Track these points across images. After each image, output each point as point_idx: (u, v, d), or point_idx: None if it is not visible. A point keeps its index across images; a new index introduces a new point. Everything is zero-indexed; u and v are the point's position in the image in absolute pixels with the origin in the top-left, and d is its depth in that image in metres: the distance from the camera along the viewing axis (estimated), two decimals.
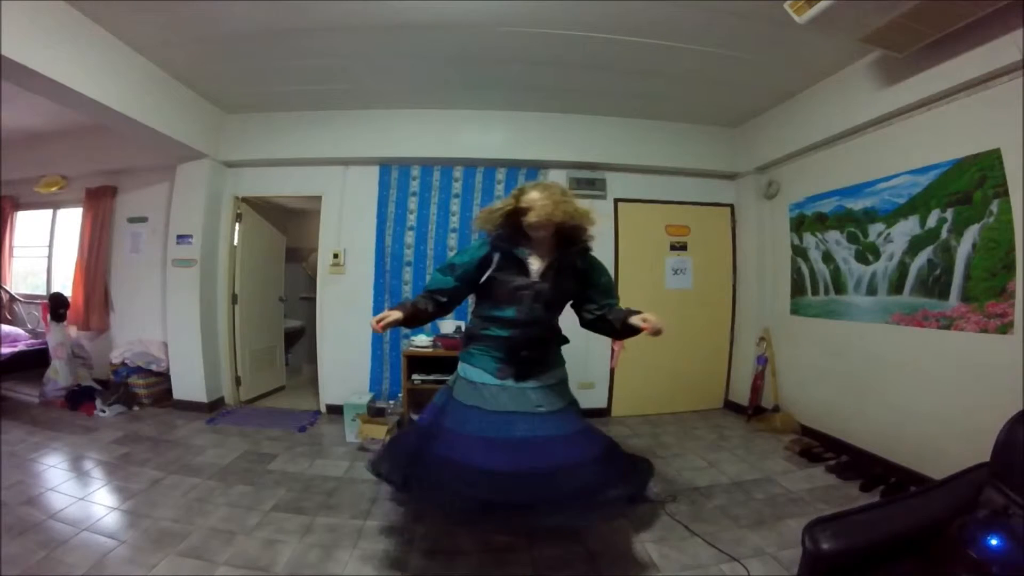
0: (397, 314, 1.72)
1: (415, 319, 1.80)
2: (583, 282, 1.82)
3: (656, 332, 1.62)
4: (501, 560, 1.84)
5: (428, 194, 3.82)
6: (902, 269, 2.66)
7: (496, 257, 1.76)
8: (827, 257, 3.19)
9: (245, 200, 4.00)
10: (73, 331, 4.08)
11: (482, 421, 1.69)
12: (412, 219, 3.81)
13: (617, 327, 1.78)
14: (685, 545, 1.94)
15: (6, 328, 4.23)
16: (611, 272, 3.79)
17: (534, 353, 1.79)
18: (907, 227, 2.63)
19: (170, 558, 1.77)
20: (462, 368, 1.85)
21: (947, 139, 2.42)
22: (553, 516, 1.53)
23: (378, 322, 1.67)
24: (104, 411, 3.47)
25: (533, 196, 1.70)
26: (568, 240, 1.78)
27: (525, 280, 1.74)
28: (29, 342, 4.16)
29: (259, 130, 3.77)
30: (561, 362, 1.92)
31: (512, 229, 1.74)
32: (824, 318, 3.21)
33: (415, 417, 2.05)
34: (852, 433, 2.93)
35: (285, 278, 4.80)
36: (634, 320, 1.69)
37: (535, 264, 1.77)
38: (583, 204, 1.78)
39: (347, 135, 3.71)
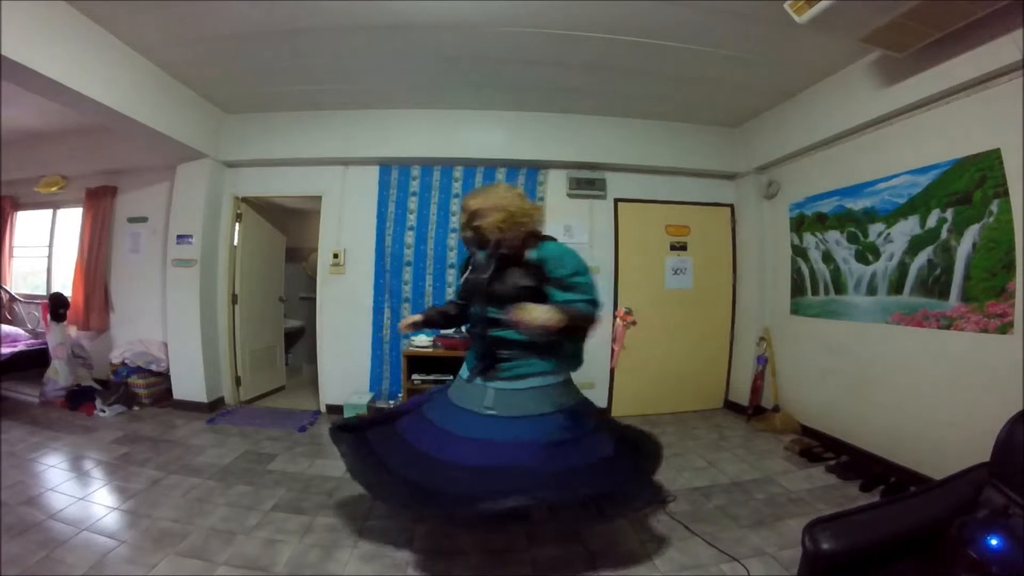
0: (418, 316, 2.03)
1: (442, 320, 2.05)
2: (543, 277, 1.74)
3: (535, 326, 1.55)
4: (501, 560, 1.84)
5: (428, 194, 3.82)
6: (902, 269, 2.66)
7: (471, 260, 1.91)
8: (827, 257, 3.19)
9: (245, 200, 4.00)
10: (73, 331, 4.08)
11: (442, 410, 1.81)
12: (412, 219, 3.81)
13: None
14: (685, 545, 1.94)
15: (6, 328, 4.23)
16: (611, 270, 3.86)
17: (502, 353, 1.75)
18: (907, 227, 2.63)
19: (170, 558, 1.77)
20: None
21: (947, 139, 2.42)
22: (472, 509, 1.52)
23: (404, 325, 1.99)
24: (104, 411, 3.47)
25: (468, 203, 1.79)
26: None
27: (476, 278, 1.81)
28: (29, 342, 4.16)
29: (259, 130, 3.77)
30: (543, 367, 1.75)
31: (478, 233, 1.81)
32: (824, 318, 3.21)
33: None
34: (852, 433, 2.93)
35: (285, 278, 4.80)
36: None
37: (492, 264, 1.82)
38: (533, 202, 1.90)
39: (347, 135, 3.71)
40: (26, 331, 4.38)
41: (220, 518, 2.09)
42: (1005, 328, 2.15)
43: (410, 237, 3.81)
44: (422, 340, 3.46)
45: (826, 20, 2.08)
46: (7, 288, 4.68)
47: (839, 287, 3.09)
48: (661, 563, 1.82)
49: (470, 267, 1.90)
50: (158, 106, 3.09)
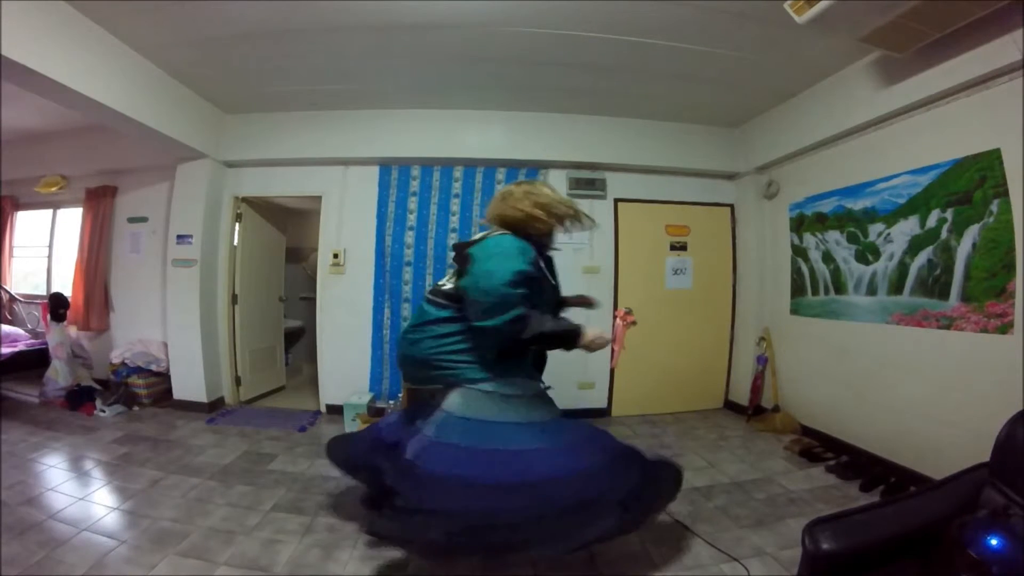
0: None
1: None
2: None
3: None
4: (501, 560, 1.83)
5: (428, 194, 3.82)
6: (902, 269, 2.66)
7: (539, 258, 1.67)
8: (827, 257, 3.19)
9: (245, 200, 4.00)
10: (73, 331, 4.08)
11: (563, 426, 1.64)
12: (412, 219, 3.81)
13: None
14: (685, 545, 1.94)
15: (6, 328, 4.23)
16: (611, 270, 3.87)
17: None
18: (907, 227, 2.63)
19: (170, 558, 1.77)
20: (495, 384, 1.61)
21: (947, 139, 2.42)
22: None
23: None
24: (104, 411, 3.47)
25: (547, 191, 1.74)
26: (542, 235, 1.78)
27: (553, 283, 1.76)
28: (29, 342, 4.16)
29: (259, 130, 3.77)
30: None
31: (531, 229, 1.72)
32: (824, 318, 3.20)
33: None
34: (852, 433, 2.93)
35: (285, 278, 4.80)
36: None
37: None
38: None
39: (347, 135, 3.71)
40: (26, 331, 4.38)
41: (220, 518, 2.09)
42: (1005, 328, 2.15)
43: (410, 237, 3.81)
44: None
45: (826, 20, 2.08)
46: (7, 288, 4.68)
47: (839, 287, 3.09)
48: (661, 563, 1.82)
49: (542, 269, 1.67)
50: (158, 106, 3.08)
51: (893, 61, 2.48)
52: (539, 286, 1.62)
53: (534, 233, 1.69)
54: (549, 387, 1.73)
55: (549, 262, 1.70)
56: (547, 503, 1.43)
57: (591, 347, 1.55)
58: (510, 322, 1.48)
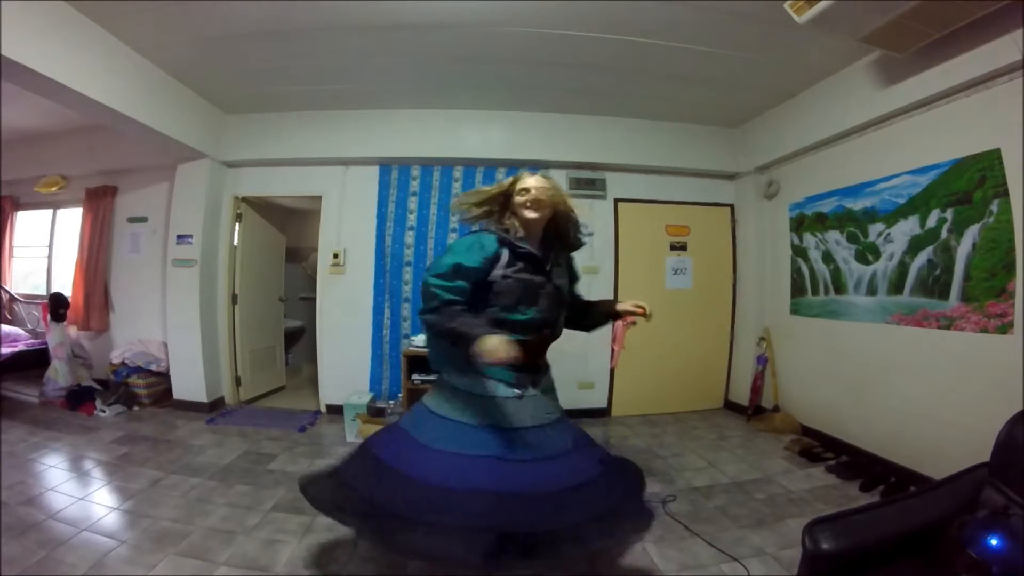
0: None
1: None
2: (571, 277, 1.78)
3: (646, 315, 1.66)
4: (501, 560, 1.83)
5: (428, 194, 3.82)
6: (902, 269, 2.66)
7: (505, 253, 1.54)
8: (827, 257, 3.19)
9: (245, 200, 4.00)
10: (73, 331, 4.08)
11: (508, 439, 1.45)
12: (412, 219, 3.81)
13: (599, 319, 1.79)
14: (685, 545, 1.94)
15: (6, 328, 4.23)
16: (611, 270, 3.87)
17: (543, 358, 1.67)
18: (907, 227, 2.63)
19: (170, 558, 1.77)
20: (461, 382, 1.54)
21: (947, 139, 2.42)
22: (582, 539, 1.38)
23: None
24: (104, 411, 3.47)
25: (531, 181, 1.59)
26: (560, 233, 1.68)
27: (540, 278, 1.55)
28: (29, 342, 4.16)
29: (259, 130, 3.77)
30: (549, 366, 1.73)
31: (506, 220, 1.61)
32: (824, 318, 3.21)
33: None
34: (852, 433, 2.93)
35: (285, 278, 4.80)
36: (624, 307, 1.69)
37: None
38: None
39: (347, 135, 3.71)
40: (26, 331, 4.38)
41: (220, 518, 2.09)
42: (1005, 328, 2.15)
43: (410, 237, 3.81)
44: (422, 340, 3.46)
45: (826, 20, 2.08)
46: (7, 288, 4.68)
47: (839, 287, 3.09)
48: (661, 563, 1.82)
49: (504, 262, 1.53)
50: (158, 106, 3.08)
51: (893, 61, 2.48)
52: (515, 284, 1.51)
53: (507, 227, 1.59)
54: (521, 393, 1.51)
55: (536, 260, 1.57)
56: (425, 510, 1.32)
57: (482, 356, 1.32)
58: (428, 312, 1.48)
